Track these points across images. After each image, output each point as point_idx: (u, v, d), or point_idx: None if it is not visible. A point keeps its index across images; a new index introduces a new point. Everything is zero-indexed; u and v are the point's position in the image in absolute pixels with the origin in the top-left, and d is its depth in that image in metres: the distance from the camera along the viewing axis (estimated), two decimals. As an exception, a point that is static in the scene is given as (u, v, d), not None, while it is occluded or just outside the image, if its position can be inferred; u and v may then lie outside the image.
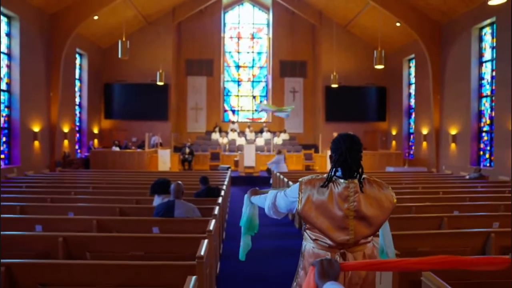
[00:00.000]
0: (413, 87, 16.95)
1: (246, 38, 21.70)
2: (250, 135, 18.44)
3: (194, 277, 2.45)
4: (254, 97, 21.69)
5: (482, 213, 5.39)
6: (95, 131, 17.90)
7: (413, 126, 16.95)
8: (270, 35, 21.03)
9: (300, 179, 2.13)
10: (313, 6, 18.63)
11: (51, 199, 6.31)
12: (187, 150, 15.20)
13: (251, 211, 2.59)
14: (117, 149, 15.60)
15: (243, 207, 2.62)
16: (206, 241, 3.27)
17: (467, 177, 10.64)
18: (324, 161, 15.96)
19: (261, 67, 21.73)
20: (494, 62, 11.88)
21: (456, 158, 13.44)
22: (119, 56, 11.88)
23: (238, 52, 21.70)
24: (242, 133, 18.70)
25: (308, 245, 2.14)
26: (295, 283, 2.25)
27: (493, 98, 11.86)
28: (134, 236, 3.80)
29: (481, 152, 12.65)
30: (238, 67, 21.69)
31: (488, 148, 12.31)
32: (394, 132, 18.56)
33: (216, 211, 4.80)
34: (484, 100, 12.59)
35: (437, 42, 14.25)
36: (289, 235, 6.87)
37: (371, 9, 15.47)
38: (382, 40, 15.37)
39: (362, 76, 18.71)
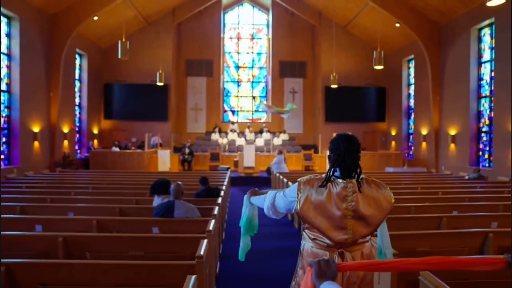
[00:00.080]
0: (412, 87, 16.98)
1: (246, 39, 21.72)
2: (250, 136, 18.45)
3: (193, 277, 2.46)
4: (253, 97, 21.71)
5: (481, 213, 5.41)
6: (95, 131, 17.91)
7: (413, 127, 16.97)
8: (270, 36, 21.05)
9: (299, 179, 2.15)
10: (312, 6, 18.65)
11: (51, 199, 6.32)
12: (187, 151, 15.21)
13: (251, 211, 2.60)
14: (117, 149, 15.61)
15: (243, 208, 2.63)
16: (205, 241, 3.28)
17: (466, 177, 10.67)
18: (323, 162, 15.97)
19: (260, 68, 21.75)
20: (493, 62, 11.90)
21: (455, 158, 13.46)
22: (119, 56, 11.89)
23: (238, 53, 21.72)
24: (241, 134, 18.72)
25: (306, 244, 2.16)
26: (293, 282, 2.26)
27: (492, 98, 11.88)
28: (134, 236, 3.81)
29: (480, 153, 12.67)
30: (237, 67, 21.70)
31: (487, 148, 12.33)
32: (393, 133, 18.58)
33: (215, 211, 4.82)
34: (483, 100, 12.61)
35: (436, 42, 14.28)
36: (289, 235, 6.88)
37: (370, 9, 15.50)
38: (382, 40, 15.41)
39: (361, 77, 18.74)
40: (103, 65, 18.24)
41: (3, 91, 11.32)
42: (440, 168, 14.23)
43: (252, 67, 21.74)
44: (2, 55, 11.19)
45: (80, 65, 16.56)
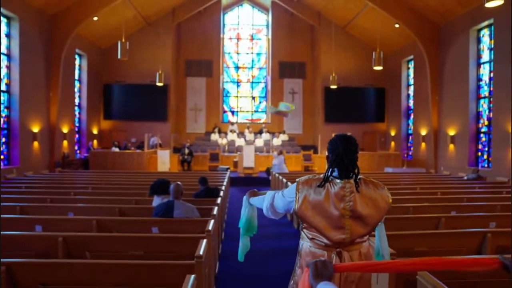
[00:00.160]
0: (411, 88, 17.01)
1: (246, 39, 21.73)
2: (249, 136, 18.47)
3: (192, 276, 2.48)
4: (253, 98, 21.73)
5: (479, 213, 5.43)
6: (95, 131, 17.91)
7: (412, 127, 17.00)
8: (269, 36, 21.07)
9: (298, 179, 2.17)
10: (312, 7, 18.67)
11: (51, 199, 6.33)
12: (186, 151, 15.22)
13: (250, 212, 2.62)
14: (117, 149, 15.62)
15: (242, 209, 2.65)
16: (205, 241, 3.30)
17: (465, 177, 10.68)
18: (323, 162, 15.98)
19: (260, 68, 21.77)
20: (492, 63, 11.92)
21: (455, 159, 13.48)
22: (119, 56, 11.89)
23: (238, 53, 21.74)
24: (241, 134, 18.73)
25: (305, 244, 2.18)
26: (292, 281, 2.28)
27: (491, 99, 11.91)
28: (134, 236, 3.83)
29: (479, 153, 12.69)
30: (237, 68, 21.72)
31: (486, 149, 12.35)
32: (393, 133, 18.60)
33: (215, 212, 4.83)
34: (482, 101, 12.63)
35: (435, 43, 14.31)
36: (288, 236, 6.89)
37: (370, 10, 15.52)
38: (381, 41, 15.42)
39: (361, 77, 18.76)
40: (103, 65, 18.25)
41: (3, 91, 11.33)
42: (439, 168, 14.25)
43: (252, 67, 21.76)
44: (1, 55, 11.20)
45: (79, 66, 16.57)
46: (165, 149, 15.96)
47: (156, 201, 5.18)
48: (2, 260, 2.78)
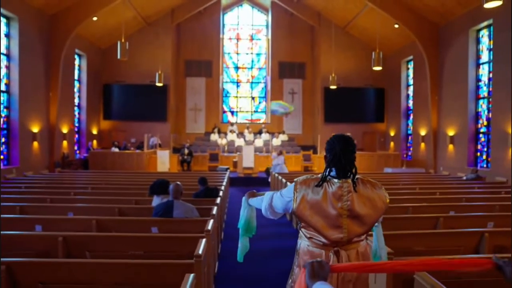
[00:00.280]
0: (411, 88, 17.03)
1: (245, 39, 21.75)
2: (249, 136, 18.47)
3: (192, 275, 2.50)
4: (253, 98, 21.74)
5: (478, 213, 5.44)
6: (94, 132, 17.92)
7: (411, 127, 17.02)
8: (269, 36, 21.09)
9: (296, 179, 2.19)
10: (312, 7, 18.69)
11: (51, 199, 6.35)
12: (186, 151, 15.23)
13: (249, 213, 2.64)
14: (116, 150, 15.63)
15: (241, 210, 2.66)
16: (204, 240, 3.31)
17: (464, 178, 10.70)
18: (322, 162, 15.66)
19: (260, 68, 21.78)
20: (491, 64, 11.95)
21: (454, 159, 13.50)
22: (118, 57, 11.91)
23: (237, 53, 21.75)
24: (241, 134, 18.74)
25: (303, 243, 2.20)
26: (290, 280, 2.30)
27: (490, 99, 11.93)
28: (134, 235, 3.84)
29: (478, 153, 12.72)
30: (237, 68, 21.73)
31: (485, 149, 12.38)
32: (392, 133, 18.62)
33: (214, 211, 4.85)
34: (481, 101, 12.66)
35: (435, 43, 14.33)
36: (287, 235, 6.90)
37: (369, 10, 15.55)
38: (381, 41, 15.45)
39: (360, 78, 18.78)
40: (103, 65, 18.25)
41: (2, 92, 11.34)
42: (439, 168, 14.27)
43: (252, 67, 21.77)
44: (1, 55, 11.21)
45: (79, 66, 16.58)
46: (165, 149, 15.97)
47: (156, 201, 5.19)
48: (2, 259, 2.80)
